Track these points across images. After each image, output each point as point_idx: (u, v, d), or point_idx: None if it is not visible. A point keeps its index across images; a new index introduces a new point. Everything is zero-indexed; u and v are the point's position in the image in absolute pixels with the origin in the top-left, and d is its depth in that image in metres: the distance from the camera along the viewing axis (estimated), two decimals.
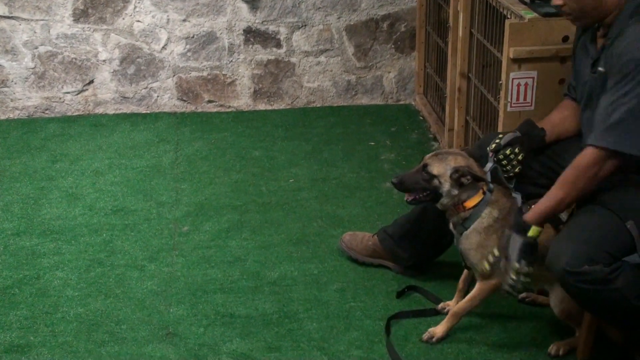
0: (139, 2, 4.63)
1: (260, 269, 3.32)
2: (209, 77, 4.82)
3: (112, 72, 4.76)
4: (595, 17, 2.60)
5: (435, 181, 2.80)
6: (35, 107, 4.78)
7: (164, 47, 4.74)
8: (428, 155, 2.88)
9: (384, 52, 4.87)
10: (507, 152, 2.80)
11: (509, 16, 3.23)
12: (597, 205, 2.54)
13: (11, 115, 4.78)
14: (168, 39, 4.72)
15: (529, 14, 3.10)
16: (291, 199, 3.86)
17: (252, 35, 4.76)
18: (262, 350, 2.86)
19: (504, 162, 2.81)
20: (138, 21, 4.68)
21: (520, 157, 2.80)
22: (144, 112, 4.83)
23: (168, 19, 4.69)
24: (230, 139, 4.50)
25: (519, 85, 3.17)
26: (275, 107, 4.90)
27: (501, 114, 3.25)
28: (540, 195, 2.75)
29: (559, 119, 2.86)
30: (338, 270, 3.31)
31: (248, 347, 2.88)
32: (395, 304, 3.10)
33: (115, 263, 3.37)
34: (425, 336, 2.90)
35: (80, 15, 4.64)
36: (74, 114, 4.80)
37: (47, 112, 4.79)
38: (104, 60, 4.73)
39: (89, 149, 4.38)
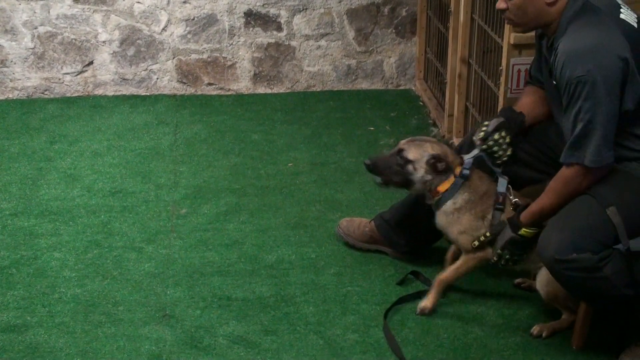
0: None
1: (257, 253, 3.33)
2: (209, 59, 4.80)
3: (112, 54, 4.74)
4: (537, 25, 2.64)
5: (410, 167, 2.84)
6: (35, 88, 4.76)
7: (164, 29, 4.72)
8: (404, 141, 2.92)
9: (384, 37, 4.85)
10: (496, 137, 2.84)
11: None
12: (585, 194, 2.57)
13: (10, 96, 4.77)
14: (168, 20, 4.70)
15: None
16: (290, 183, 3.86)
17: (253, 18, 4.74)
18: (259, 333, 2.87)
19: (495, 147, 2.83)
20: (138, 2, 4.65)
21: (508, 140, 2.84)
22: (144, 94, 4.82)
23: (168, 1, 4.66)
24: (230, 122, 4.49)
25: (519, 71, 3.16)
26: (275, 90, 4.89)
27: (501, 99, 3.24)
28: (540, 180, 2.87)
29: (530, 103, 2.91)
30: (335, 255, 3.31)
31: (244, 330, 2.88)
32: (392, 288, 3.10)
33: (113, 245, 3.37)
34: (418, 311, 2.95)
35: None
36: (73, 95, 4.79)
37: (46, 92, 4.78)
38: (103, 42, 4.71)
39: (88, 130, 4.37)
